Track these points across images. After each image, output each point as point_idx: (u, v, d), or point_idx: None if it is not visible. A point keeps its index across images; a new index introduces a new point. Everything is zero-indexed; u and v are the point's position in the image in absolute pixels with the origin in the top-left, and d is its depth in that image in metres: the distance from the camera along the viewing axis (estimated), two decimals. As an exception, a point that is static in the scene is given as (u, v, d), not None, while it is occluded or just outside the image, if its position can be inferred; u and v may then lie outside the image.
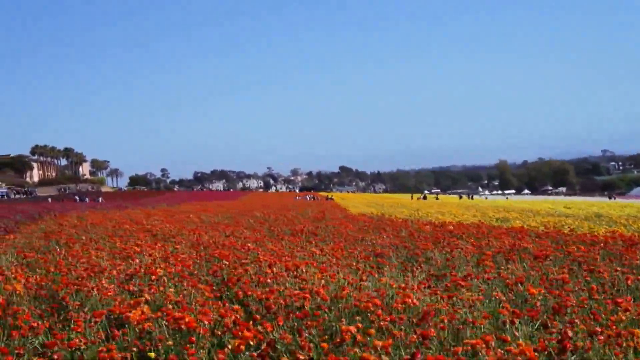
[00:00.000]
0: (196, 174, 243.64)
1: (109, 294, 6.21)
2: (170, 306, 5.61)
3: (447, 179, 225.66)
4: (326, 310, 5.43)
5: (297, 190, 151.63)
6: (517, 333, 4.70)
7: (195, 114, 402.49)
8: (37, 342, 4.90)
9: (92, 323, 5.10)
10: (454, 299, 5.73)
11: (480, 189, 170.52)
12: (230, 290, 6.68)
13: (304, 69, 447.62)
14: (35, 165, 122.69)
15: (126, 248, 10.48)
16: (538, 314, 5.10)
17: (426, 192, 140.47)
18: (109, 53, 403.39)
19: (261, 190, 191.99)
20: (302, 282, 6.73)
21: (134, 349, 4.53)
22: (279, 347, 4.39)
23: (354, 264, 8.61)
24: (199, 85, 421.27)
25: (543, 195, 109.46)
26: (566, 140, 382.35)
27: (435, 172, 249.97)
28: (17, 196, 77.69)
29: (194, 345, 4.44)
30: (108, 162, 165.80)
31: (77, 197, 65.65)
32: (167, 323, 4.78)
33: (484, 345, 3.97)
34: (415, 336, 4.37)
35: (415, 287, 6.42)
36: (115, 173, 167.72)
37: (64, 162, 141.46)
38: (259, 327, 4.68)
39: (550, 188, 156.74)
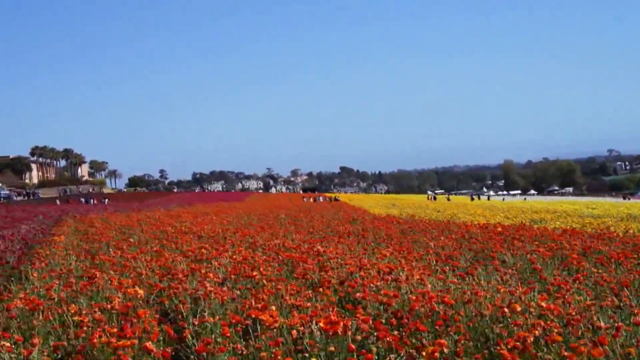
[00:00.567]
0: (195, 175, 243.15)
1: (225, 297, 6.22)
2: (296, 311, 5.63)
3: (451, 180, 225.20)
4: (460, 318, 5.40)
5: (300, 192, 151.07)
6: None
7: (193, 115, 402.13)
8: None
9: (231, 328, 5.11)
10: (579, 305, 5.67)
11: (485, 190, 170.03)
12: (348, 295, 6.64)
13: (304, 69, 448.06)
14: (34, 166, 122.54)
15: (192, 250, 10.51)
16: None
17: (436, 192, 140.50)
18: (107, 53, 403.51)
19: (261, 191, 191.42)
20: (412, 287, 6.70)
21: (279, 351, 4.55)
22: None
23: (435, 267, 8.62)
24: (197, 86, 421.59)
25: (554, 196, 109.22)
26: (571, 140, 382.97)
27: (438, 173, 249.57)
28: (19, 198, 77.56)
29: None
30: (107, 163, 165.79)
31: (82, 199, 65.52)
32: (320, 327, 4.77)
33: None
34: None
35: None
36: (113, 174, 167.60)
37: (62, 163, 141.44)
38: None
39: (556, 188, 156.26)
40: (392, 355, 4.44)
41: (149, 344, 4.57)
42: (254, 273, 7.44)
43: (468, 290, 6.20)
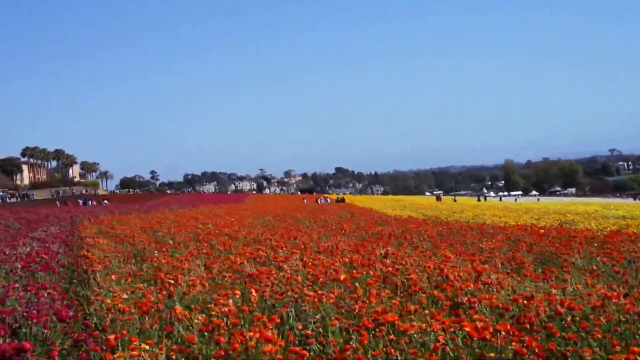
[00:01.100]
0: (186, 176, 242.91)
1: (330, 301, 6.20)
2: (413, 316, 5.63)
3: (448, 180, 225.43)
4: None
5: (298, 193, 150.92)
6: None
7: (184, 115, 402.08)
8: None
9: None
10: None
11: (485, 190, 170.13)
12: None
13: (297, 68, 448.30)
14: (25, 167, 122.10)
15: (252, 252, 10.49)
16: None
17: (434, 193, 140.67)
18: (97, 53, 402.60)
19: (254, 192, 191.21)
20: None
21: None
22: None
23: (508, 270, 8.61)
24: (189, 86, 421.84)
25: (561, 197, 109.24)
26: (570, 140, 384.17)
27: (435, 173, 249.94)
28: (13, 200, 77.28)
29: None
30: (98, 164, 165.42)
31: (79, 201, 65.35)
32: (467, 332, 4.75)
33: None
34: None
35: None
36: (105, 175, 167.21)
37: (53, 164, 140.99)
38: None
39: (558, 189, 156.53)
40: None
41: (297, 348, 4.55)
42: (342, 277, 7.40)
43: (579, 294, 6.21)
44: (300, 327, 5.66)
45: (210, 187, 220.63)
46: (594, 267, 8.79)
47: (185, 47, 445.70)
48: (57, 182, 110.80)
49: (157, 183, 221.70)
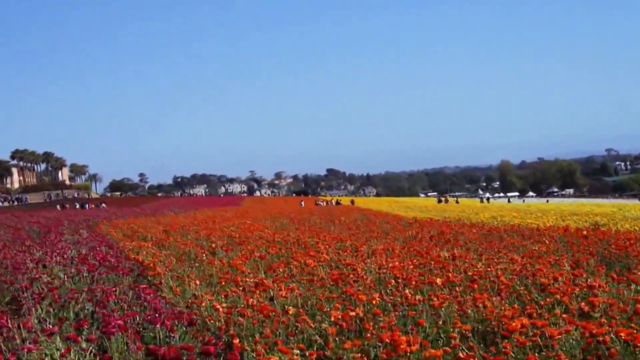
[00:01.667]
0: (176, 179, 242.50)
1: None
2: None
3: (443, 181, 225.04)
4: None
5: (293, 195, 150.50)
6: None
7: (172, 116, 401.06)
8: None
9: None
10: None
11: (480, 191, 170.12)
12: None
13: (288, 69, 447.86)
14: (15, 170, 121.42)
15: (314, 255, 10.46)
16: None
17: (429, 194, 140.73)
18: (82, 53, 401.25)
19: (245, 194, 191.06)
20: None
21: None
22: None
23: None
24: (177, 87, 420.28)
25: (563, 198, 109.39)
26: (565, 140, 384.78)
27: (428, 174, 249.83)
28: (6, 204, 76.82)
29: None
30: (87, 166, 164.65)
31: (76, 204, 65.06)
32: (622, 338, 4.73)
33: None
34: None
35: None
36: (94, 178, 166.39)
37: (42, 167, 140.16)
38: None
39: (556, 190, 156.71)
40: None
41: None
42: (438, 280, 7.38)
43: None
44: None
45: (200, 190, 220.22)
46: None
47: (173, 48, 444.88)
48: (48, 186, 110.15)
49: (146, 186, 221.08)
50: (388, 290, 7.11)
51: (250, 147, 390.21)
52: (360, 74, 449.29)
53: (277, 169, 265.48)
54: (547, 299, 6.42)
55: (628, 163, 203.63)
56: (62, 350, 4.54)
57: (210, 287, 8.23)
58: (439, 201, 72.77)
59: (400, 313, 6.16)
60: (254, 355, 4.96)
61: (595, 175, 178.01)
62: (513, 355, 4.79)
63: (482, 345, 5.31)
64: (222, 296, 7.20)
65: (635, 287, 7.11)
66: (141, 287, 7.29)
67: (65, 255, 11.11)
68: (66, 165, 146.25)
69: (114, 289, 7.19)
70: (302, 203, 67.43)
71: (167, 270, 9.71)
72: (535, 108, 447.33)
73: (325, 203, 71.96)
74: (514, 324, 5.18)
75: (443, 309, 6.13)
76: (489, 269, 8.27)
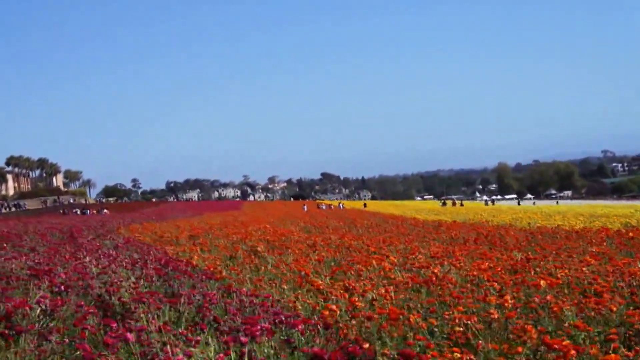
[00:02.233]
0: (169, 184, 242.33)
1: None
2: None
3: (439, 184, 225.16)
4: None
5: (291, 199, 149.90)
6: None
7: (165, 122, 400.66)
8: None
9: None
10: None
11: (477, 194, 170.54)
12: None
13: (280, 72, 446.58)
14: (10, 177, 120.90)
15: (379, 258, 10.30)
16: None
17: (425, 197, 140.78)
18: (73, 57, 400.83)
19: (239, 199, 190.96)
20: None
21: None
22: None
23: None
24: (169, 92, 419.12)
25: (567, 200, 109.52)
26: (560, 141, 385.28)
27: (423, 177, 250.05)
28: (4, 210, 76.40)
29: None
30: (81, 172, 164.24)
31: (77, 210, 64.77)
32: None
33: None
34: None
35: None
36: (88, 184, 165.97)
37: (36, 173, 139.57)
38: None
39: (554, 192, 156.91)
40: None
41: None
42: (542, 282, 7.21)
43: None
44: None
45: (193, 195, 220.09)
46: None
47: (166, 52, 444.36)
48: (43, 192, 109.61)
49: (139, 191, 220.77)
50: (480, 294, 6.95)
51: (243, 151, 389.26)
52: (353, 77, 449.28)
53: (270, 173, 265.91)
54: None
55: (625, 164, 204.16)
56: (220, 354, 4.37)
57: (293, 291, 8.05)
58: (443, 204, 72.74)
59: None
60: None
61: (592, 176, 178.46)
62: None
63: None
64: (322, 300, 7.04)
65: None
66: (241, 290, 7.12)
67: (118, 260, 10.90)
68: (60, 171, 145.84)
69: (213, 292, 7.02)
70: (305, 207, 67.17)
71: (232, 274, 9.56)
72: (530, 110, 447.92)
73: (327, 207, 71.73)
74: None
75: (567, 312, 5.96)
76: (579, 272, 8.11)
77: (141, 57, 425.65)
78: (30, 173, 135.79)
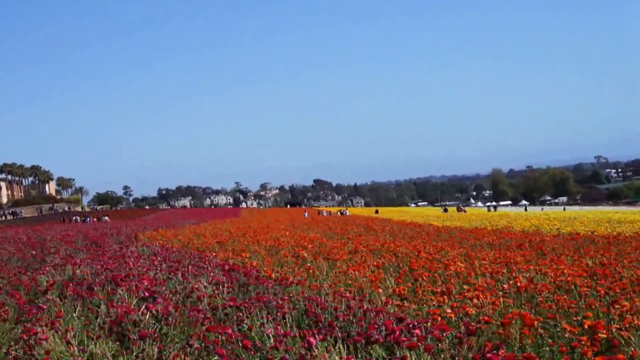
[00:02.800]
0: (160, 191, 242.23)
1: None
2: None
3: (432, 191, 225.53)
4: None
5: (288, 206, 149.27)
6: None
7: (156, 129, 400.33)
8: None
9: None
10: None
11: (472, 201, 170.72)
12: None
13: (272, 79, 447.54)
14: (2, 184, 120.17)
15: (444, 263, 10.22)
16: None
17: (419, 204, 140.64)
18: (63, 64, 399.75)
19: (231, 206, 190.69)
20: None
21: None
22: None
23: None
24: (159, 97, 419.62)
25: (572, 206, 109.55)
26: (553, 147, 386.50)
27: (416, 184, 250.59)
28: (2, 218, 76.00)
29: None
30: (74, 180, 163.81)
31: (77, 217, 64.39)
32: None
33: None
34: None
35: None
36: (80, 191, 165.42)
37: (28, 180, 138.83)
38: None
39: (549, 198, 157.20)
40: None
41: None
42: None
43: None
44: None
45: (185, 202, 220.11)
46: None
47: (155, 58, 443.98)
48: (38, 199, 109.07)
49: (131, 198, 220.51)
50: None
51: (234, 158, 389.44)
52: (345, 84, 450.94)
53: (262, 180, 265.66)
54: None
55: (619, 170, 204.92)
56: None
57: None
58: (445, 210, 72.67)
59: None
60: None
61: (586, 182, 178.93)
62: None
63: None
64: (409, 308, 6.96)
65: None
66: (346, 295, 7.04)
67: (181, 266, 10.77)
68: (53, 178, 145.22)
69: (319, 297, 6.94)
70: (306, 213, 67.04)
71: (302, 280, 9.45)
72: (521, 116, 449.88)
73: (327, 213, 71.53)
74: None
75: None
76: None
77: (132, 64, 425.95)
78: (23, 180, 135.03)
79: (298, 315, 6.61)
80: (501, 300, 6.93)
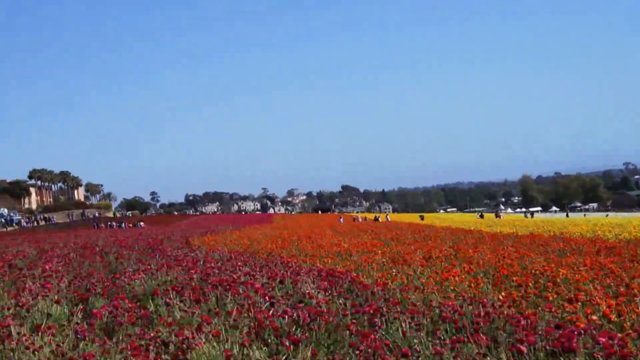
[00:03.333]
0: (188, 197, 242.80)
1: None
2: None
3: (460, 197, 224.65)
4: None
5: (319, 212, 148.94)
6: None
7: (182, 134, 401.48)
8: None
9: None
10: None
11: (501, 207, 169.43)
12: None
13: (300, 85, 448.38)
14: (32, 190, 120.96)
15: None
16: None
17: (448, 210, 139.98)
18: (86, 72, 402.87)
19: (258, 212, 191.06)
20: None
21: None
22: None
23: None
24: (187, 103, 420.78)
25: (601, 212, 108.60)
26: (581, 153, 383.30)
27: (445, 190, 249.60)
28: (35, 224, 76.57)
29: None
30: (102, 185, 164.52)
31: (112, 223, 64.80)
32: None
33: None
34: None
35: None
36: (109, 197, 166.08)
37: (57, 186, 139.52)
38: None
39: (579, 205, 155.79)
40: None
41: None
42: None
43: None
44: None
45: (212, 208, 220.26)
46: None
47: (185, 64, 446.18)
48: (68, 205, 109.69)
49: (158, 204, 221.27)
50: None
51: (262, 164, 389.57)
52: (373, 90, 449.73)
53: (289, 186, 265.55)
54: None
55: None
56: None
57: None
58: (481, 216, 72.38)
59: None
60: None
61: (616, 189, 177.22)
62: None
63: None
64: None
65: None
66: (483, 301, 6.98)
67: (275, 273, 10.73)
68: (82, 184, 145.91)
69: (452, 302, 6.90)
70: (342, 219, 67.05)
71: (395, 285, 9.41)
72: (550, 122, 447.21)
73: (362, 219, 71.34)
74: None
75: None
76: None
77: (159, 69, 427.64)
78: (52, 186, 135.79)
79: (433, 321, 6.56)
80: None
